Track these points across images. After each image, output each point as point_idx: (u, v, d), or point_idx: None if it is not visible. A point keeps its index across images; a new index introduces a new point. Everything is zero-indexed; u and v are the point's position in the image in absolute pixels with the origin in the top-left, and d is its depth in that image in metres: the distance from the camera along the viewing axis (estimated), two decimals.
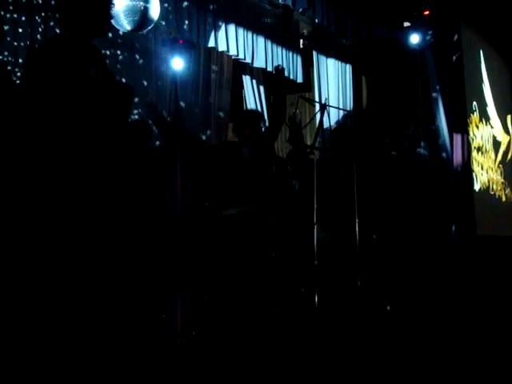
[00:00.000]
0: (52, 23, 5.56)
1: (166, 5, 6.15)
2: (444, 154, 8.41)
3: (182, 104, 6.66)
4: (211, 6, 6.74)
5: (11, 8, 5.35)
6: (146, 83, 6.61)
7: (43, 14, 5.54)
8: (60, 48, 3.04)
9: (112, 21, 5.62)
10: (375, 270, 5.51)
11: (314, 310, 4.52)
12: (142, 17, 5.55)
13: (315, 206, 4.56)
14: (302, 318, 4.52)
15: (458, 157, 8.47)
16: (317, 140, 5.23)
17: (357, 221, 5.00)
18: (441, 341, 4.29)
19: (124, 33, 5.83)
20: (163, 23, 6.25)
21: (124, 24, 5.55)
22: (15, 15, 5.37)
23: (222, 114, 7.50)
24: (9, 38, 5.26)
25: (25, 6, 5.42)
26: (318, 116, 5.68)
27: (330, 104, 7.51)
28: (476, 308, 5.69)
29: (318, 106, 7.50)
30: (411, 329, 4.58)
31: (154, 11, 5.62)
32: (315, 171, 4.58)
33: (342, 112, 7.88)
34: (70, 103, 2.95)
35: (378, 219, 5.74)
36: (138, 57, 6.47)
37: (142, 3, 5.50)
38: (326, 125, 5.37)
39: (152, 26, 5.78)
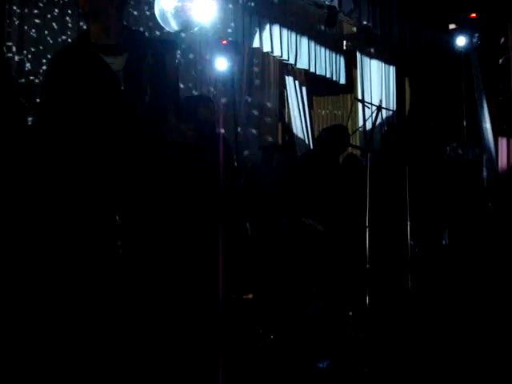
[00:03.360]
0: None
1: (212, 6, 6.16)
2: (488, 157, 8.29)
3: (224, 101, 6.69)
4: (256, 8, 6.75)
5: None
6: (190, 84, 6.65)
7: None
8: (75, 48, 3.02)
9: (160, 20, 5.70)
10: (427, 274, 5.47)
11: (365, 312, 4.51)
12: (189, 17, 5.58)
13: (367, 209, 4.53)
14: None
15: (503, 161, 8.34)
16: (370, 142, 5.20)
17: (408, 223, 4.96)
18: (499, 347, 4.21)
19: (171, 33, 5.86)
20: (209, 24, 6.27)
21: (172, 24, 5.58)
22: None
23: (269, 114, 7.53)
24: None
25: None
26: (371, 118, 5.65)
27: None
28: None
29: (360, 107, 7.54)
30: (464, 332, 4.50)
31: (201, 12, 5.64)
32: (368, 174, 4.55)
33: (385, 114, 7.82)
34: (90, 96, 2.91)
35: (428, 222, 5.69)
36: (185, 57, 6.52)
37: (189, 4, 5.53)
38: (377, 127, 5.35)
39: (198, 26, 5.80)
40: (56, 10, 5.46)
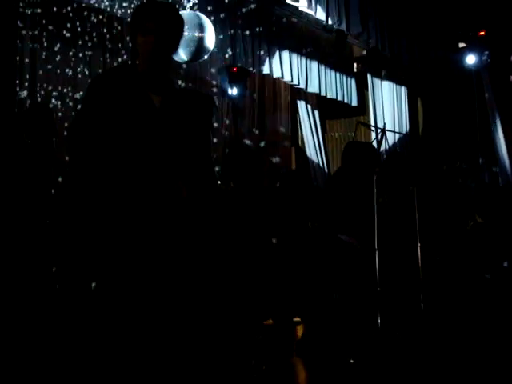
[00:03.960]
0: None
1: (220, 34, 6.25)
2: (504, 176, 8.25)
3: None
4: (265, 34, 6.81)
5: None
6: None
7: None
8: (122, 75, 3.03)
9: None
10: (439, 294, 5.45)
11: (377, 334, 4.52)
12: (198, 47, 5.65)
13: (376, 231, 4.54)
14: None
15: None
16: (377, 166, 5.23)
17: (419, 245, 4.96)
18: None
19: (180, 63, 5.93)
20: (218, 52, 6.35)
21: (181, 54, 5.65)
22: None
23: (284, 138, 7.59)
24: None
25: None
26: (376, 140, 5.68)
27: (387, 127, 7.51)
28: None
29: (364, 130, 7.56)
30: (475, 352, 4.49)
31: (210, 41, 5.72)
32: (375, 195, 4.56)
33: (397, 135, 7.84)
34: (130, 131, 2.89)
35: (440, 243, 5.68)
36: (194, 85, 6.58)
37: (198, 33, 5.61)
38: (383, 149, 5.39)
39: (208, 55, 5.88)
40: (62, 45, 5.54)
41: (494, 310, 5.56)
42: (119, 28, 5.80)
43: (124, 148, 2.79)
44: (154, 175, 2.72)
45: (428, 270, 5.37)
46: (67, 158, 4.91)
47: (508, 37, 8.21)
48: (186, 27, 5.42)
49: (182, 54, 5.68)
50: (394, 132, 7.65)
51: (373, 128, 6.45)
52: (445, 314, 5.28)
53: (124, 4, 5.36)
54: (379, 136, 4.84)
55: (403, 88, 8.51)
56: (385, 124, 5.42)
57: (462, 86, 8.31)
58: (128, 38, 5.59)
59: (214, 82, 6.89)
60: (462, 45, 8.14)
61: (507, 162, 8.22)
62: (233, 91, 6.83)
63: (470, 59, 7.63)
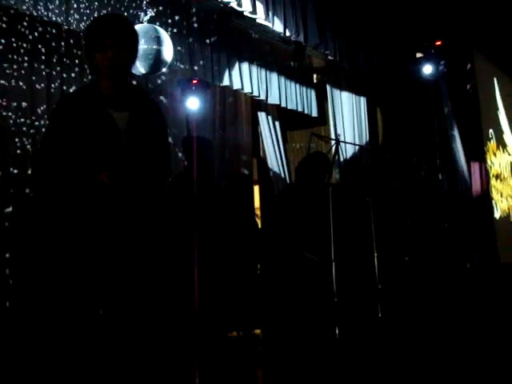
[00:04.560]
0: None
1: (179, 47, 6.24)
2: (462, 183, 8.37)
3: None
4: (224, 46, 6.82)
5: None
6: None
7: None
8: (86, 95, 3.09)
9: None
10: (396, 302, 5.50)
11: (335, 343, 4.54)
12: (155, 59, 5.63)
13: (332, 242, 4.57)
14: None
15: (476, 185, 8.43)
16: (331, 176, 5.27)
17: (375, 254, 5.01)
18: (466, 372, 4.24)
19: (138, 76, 5.90)
20: (177, 64, 6.33)
21: (138, 67, 5.63)
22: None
23: (245, 150, 7.59)
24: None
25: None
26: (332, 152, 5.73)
27: (345, 138, 7.56)
28: (500, 336, 5.61)
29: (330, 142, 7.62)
30: (433, 359, 4.54)
31: (167, 53, 5.70)
32: (331, 207, 4.59)
33: (357, 146, 7.90)
34: (93, 149, 2.99)
35: (396, 251, 5.74)
36: (155, 98, 6.55)
37: (155, 46, 5.59)
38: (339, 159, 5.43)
39: (166, 67, 5.86)
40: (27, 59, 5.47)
41: (451, 315, 5.63)
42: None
43: (86, 165, 2.97)
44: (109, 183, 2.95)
45: (395, 271, 5.42)
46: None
47: (464, 46, 8.35)
48: (143, 40, 5.44)
49: (140, 68, 5.65)
50: (351, 143, 7.71)
51: (328, 139, 6.50)
52: (403, 322, 5.33)
53: (76, 16, 5.31)
54: (333, 148, 4.88)
55: (362, 98, 8.58)
56: (338, 135, 5.46)
57: (420, 95, 8.41)
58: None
59: (174, 95, 6.87)
60: (419, 55, 8.24)
61: (465, 169, 8.35)
62: (192, 104, 6.81)
63: (427, 69, 7.72)
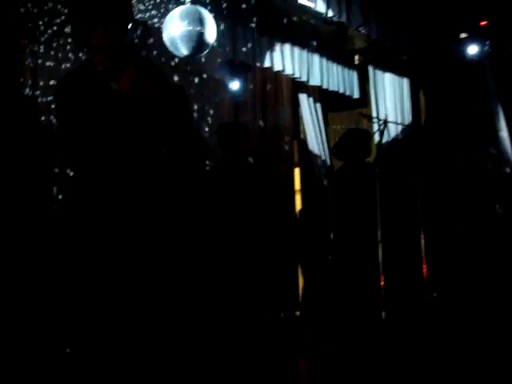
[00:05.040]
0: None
1: (221, 28, 6.21)
2: (507, 165, 8.21)
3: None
4: (266, 27, 6.78)
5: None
6: (206, 107, 6.70)
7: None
8: (82, 74, 3.09)
9: (169, 46, 5.75)
10: (445, 284, 5.43)
11: (381, 325, 4.51)
12: (198, 41, 5.62)
13: (379, 224, 4.52)
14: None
15: None
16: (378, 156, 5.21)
17: (422, 236, 4.96)
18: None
19: (180, 57, 5.90)
20: (219, 46, 6.31)
21: (181, 49, 5.62)
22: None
23: (286, 132, 7.57)
24: None
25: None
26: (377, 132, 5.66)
27: (388, 119, 7.47)
28: None
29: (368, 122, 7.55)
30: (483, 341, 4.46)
31: (210, 35, 5.68)
32: (378, 189, 4.54)
33: (400, 127, 7.80)
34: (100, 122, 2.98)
35: (444, 233, 5.66)
36: (195, 80, 6.56)
37: (198, 28, 5.57)
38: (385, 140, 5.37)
39: (208, 49, 5.85)
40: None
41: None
42: None
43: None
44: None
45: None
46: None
47: (510, 26, 8.17)
48: (186, 21, 5.42)
49: (183, 49, 5.64)
50: (398, 123, 7.61)
51: (376, 119, 6.42)
52: (451, 305, 5.26)
53: None
54: (381, 127, 4.82)
55: (405, 79, 8.46)
56: (386, 115, 5.39)
57: (464, 76, 8.26)
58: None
59: (215, 77, 6.87)
60: (463, 35, 8.09)
61: (509, 151, 8.19)
62: (234, 85, 6.81)
63: (472, 49, 7.59)
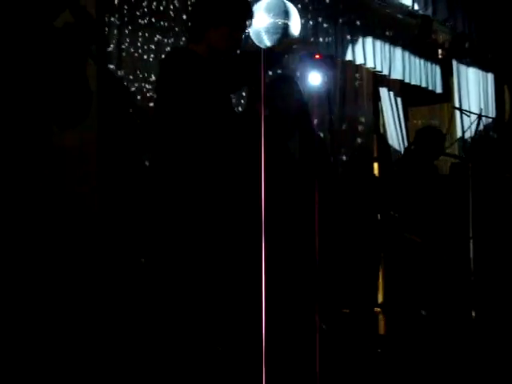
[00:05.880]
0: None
1: (303, 21, 6.19)
2: None
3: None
4: (348, 21, 6.73)
5: None
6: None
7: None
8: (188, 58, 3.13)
9: (253, 38, 5.76)
10: None
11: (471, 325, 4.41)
12: (282, 34, 5.60)
13: (470, 219, 4.43)
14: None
15: None
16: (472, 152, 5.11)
17: None
18: None
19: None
20: (301, 38, 6.30)
21: (265, 41, 5.62)
22: None
23: (365, 125, 7.50)
24: None
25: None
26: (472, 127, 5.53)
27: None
28: None
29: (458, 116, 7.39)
30: None
31: (295, 28, 5.65)
32: (470, 184, 4.45)
33: (489, 121, 7.61)
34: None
35: None
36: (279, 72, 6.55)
37: (282, 20, 5.56)
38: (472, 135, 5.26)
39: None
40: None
41: None
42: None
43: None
44: None
45: None
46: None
47: None
48: (271, 14, 5.41)
49: (267, 41, 5.64)
50: (488, 117, 7.44)
51: (471, 113, 6.28)
52: None
53: None
54: (475, 122, 4.71)
55: (490, 75, 8.28)
56: (481, 109, 5.27)
57: None
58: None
59: (297, 69, 6.86)
60: None
61: None
62: (315, 79, 6.77)
63: None
